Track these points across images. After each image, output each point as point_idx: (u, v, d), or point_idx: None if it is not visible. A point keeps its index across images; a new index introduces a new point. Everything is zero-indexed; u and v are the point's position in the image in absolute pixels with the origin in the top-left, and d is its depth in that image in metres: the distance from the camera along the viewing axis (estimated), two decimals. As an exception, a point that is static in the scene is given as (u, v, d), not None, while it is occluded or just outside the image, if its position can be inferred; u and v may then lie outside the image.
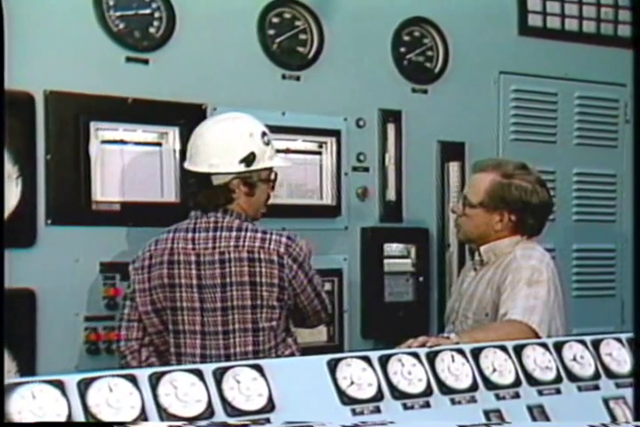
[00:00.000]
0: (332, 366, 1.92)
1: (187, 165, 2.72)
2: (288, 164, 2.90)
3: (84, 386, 1.69)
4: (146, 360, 2.69)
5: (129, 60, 3.05)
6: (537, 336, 2.51)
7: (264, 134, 2.71)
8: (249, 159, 2.66)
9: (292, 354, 2.67)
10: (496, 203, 2.78)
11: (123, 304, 2.74)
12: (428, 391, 1.97)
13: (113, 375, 1.73)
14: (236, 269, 2.60)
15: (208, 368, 1.82)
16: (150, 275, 2.66)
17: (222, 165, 2.64)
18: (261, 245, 2.61)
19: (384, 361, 1.97)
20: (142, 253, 2.70)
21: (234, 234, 2.63)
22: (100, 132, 2.98)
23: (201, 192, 2.68)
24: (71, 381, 1.69)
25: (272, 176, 2.76)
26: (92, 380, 1.70)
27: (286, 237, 2.64)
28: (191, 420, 1.74)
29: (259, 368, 1.85)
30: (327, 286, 3.40)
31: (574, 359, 2.16)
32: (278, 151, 3.21)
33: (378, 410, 1.90)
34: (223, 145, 2.65)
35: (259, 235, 2.63)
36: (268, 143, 2.71)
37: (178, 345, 2.65)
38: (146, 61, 3.08)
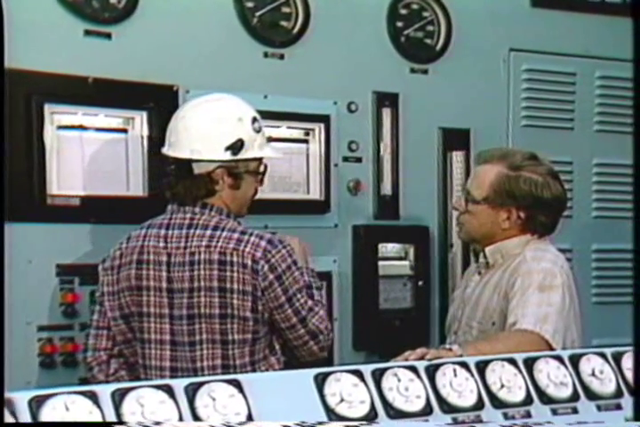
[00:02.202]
0: (320, 382, 1.92)
1: (165, 151, 2.71)
2: (280, 155, 2.90)
3: (36, 405, 1.69)
4: (114, 373, 2.70)
5: (88, 33, 3.04)
6: (550, 348, 2.52)
7: (255, 120, 2.70)
8: (236, 147, 2.64)
9: None
10: (502, 198, 2.78)
11: (92, 310, 2.75)
12: (427, 410, 1.98)
13: (70, 392, 1.72)
14: (205, 273, 2.59)
15: (179, 384, 1.82)
16: (119, 276, 2.67)
17: (205, 152, 2.63)
18: (235, 247, 2.59)
19: (378, 376, 1.97)
20: (113, 251, 2.70)
21: (208, 233, 2.62)
22: (57, 116, 2.97)
23: (180, 182, 2.67)
24: (22, 399, 1.69)
25: (261, 168, 2.75)
26: (46, 397, 1.70)
27: (267, 241, 2.61)
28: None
29: (237, 384, 1.85)
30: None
31: (593, 374, 2.17)
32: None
33: (371, 430, 1.91)
34: (208, 129, 2.64)
35: (235, 235, 2.61)
36: (258, 130, 2.70)
37: (144, 356, 2.66)
38: (108, 35, 3.07)
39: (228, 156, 2.64)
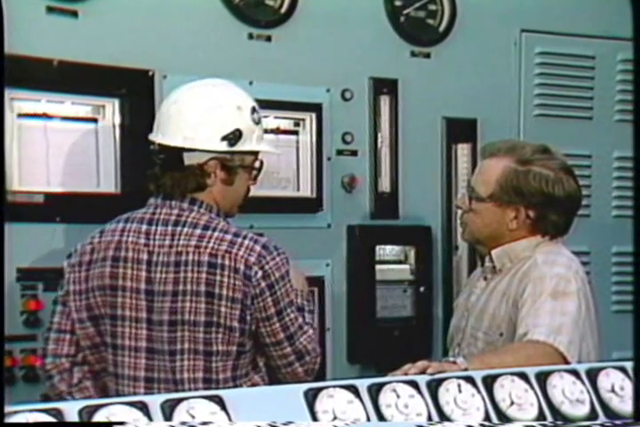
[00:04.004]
0: (311, 398, 1.92)
1: (153, 137, 2.70)
2: (278, 151, 2.92)
3: (-6, 423, 1.69)
4: (78, 384, 2.69)
5: (51, 10, 3.03)
6: (565, 361, 2.53)
7: (254, 110, 2.71)
8: (234, 137, 2.65)
9: None
10: (510, 195, 2.79)
11: (52, 310, 2.74)
12: (429, 429, 1.98)
13: (32, 410, 1.72)
14: (192, 276, 2.58)
15: (155, 401, 1.82)
16: (89, 273, 2.66)
17: (200, 140, 2.63)
18: (228, 250, 2.59)
19: (375, 391, 1.97)
20: (82, 246, 2.70)
21: (198, 232, 2.62)
22: (17, 102, 2.97)
23: (167, 173, 2.66)
24: (-21, 417, 1.69)
25: (257, 164, 2.76)
26: (6, 416, 1.70)
27: (262, 246, 2.62)
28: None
29: (218, 400, 1.85)
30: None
31: (612, 391, 2.16)
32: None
33: (367, 451, 1.91)
34: (204, 115, 2.64)
35: (228, 237, 2.62)
36: (257, 122, 2.72)
37: (116, 364, 2.65)
38: (74, 13, 3.06)
39: (223, 146, 2.65)
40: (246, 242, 2.61)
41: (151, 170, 2.70)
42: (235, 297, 2.58)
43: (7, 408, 1.72)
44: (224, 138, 2.64)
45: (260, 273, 2.59)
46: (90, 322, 2.66)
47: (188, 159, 2.64)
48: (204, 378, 2.60)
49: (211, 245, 2.60)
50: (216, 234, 2.61)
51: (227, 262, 2.58)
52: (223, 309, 2.58)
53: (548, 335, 2.58)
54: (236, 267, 2.58)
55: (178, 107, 2.67)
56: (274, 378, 2.73)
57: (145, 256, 2.62)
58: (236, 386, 2.62)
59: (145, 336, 2.61)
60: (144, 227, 2.64)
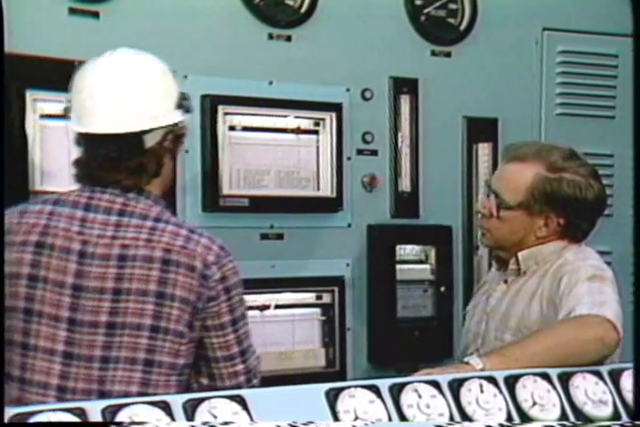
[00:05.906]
0: (332, 398, 1.93)
1: (111, 129, 2.32)
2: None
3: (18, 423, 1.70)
4: None
5: (74, 12, 3.05)
6: (616, 331, 2.41)
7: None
8: (186, 103, 2.41)
9: None
10: (541, 204, 2.73)
11: None
12: (451, 429, 1.98)
13: (56, 409, 1.74)
14: (141, 273, 2.28)
15: (177, 400, 1.83)
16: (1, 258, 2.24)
17: (165, 115, 2.36)
18: (184, 245, 2.31)
19: (396, 391, 1.97)
20: None
21: (148, 224, 2.32)
22: (40, 103, 2.98)
23: (123, 163, 2.33)
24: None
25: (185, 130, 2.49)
26: (29, 415, 1.71)
27: (219, 247, 2.35)
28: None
29: (240, 400, 1.86)
30: (326, 298, 3.42)
31: (635, 391, 2.17)
32: (264, 130, 3.25)
33: (388, 451, 1.92)
34: (159, 87, 2.37)
35: (183, 231, 2.33)
36: None
37: (24, 367, 2.29)
38: (95, 14, 3.08)
39: (180, 115, 2.39)
40: (203, 240, 2.33)
41: (87, 161, 2.37)
42: (187, 298, 2.29)
43: (8, 410, 1.72)
44: (179, 106, 2.39)
45: (218, 274, 2.32)
46: None
47: (150, 140, 2.35)
48: (139, 393, 2.25)
49: (164, 239, 2.31)
50: (169, 227, 2.33)
51: (182, 259, 2.30)
52: (175, 312, 2.28)
53: (592, 308, 2.46)
54: (192, 265, 2.30)
55: (120, 89, 2.34)
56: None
57: (76, 246, 2.30)
58: None
59: (63, 338, 2.27)
60: (78, 213, 2.33)
